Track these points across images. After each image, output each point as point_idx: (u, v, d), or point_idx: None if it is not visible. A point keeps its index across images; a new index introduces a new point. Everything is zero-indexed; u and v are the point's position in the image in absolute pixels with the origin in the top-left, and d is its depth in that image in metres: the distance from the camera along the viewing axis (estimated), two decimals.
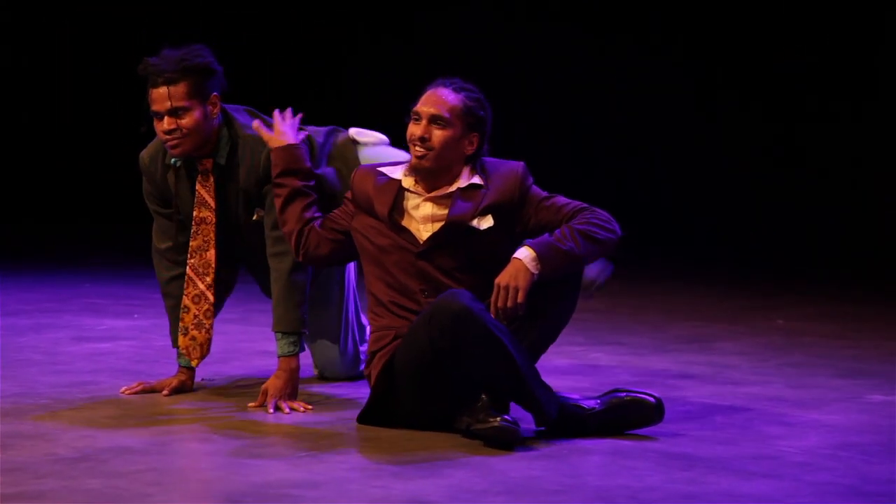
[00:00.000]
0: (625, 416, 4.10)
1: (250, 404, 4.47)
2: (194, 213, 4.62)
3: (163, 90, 4.47)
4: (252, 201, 4.59)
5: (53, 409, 4.39)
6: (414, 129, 4.23)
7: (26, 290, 7.38)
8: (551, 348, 5.59)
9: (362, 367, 4.85)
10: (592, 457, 3.87)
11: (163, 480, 3.56)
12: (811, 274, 8.53)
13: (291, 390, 4.49)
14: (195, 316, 4.65)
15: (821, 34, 10.09)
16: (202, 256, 4.63)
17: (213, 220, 4.61)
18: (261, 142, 4.55)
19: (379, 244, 4.27)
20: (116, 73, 11.23)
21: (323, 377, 4.97)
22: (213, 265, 4.62)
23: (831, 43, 10.04)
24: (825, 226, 9.83)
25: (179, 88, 4.47)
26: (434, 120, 4.20)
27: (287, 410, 4.40)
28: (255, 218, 4.59)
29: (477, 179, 4.25)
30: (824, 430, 4.22)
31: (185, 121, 4.49)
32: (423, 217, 4.24)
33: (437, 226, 4.22)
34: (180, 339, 4.65)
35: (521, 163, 4.31)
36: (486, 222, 4.23)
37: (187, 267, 4.64)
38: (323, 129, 4.81)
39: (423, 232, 4.23)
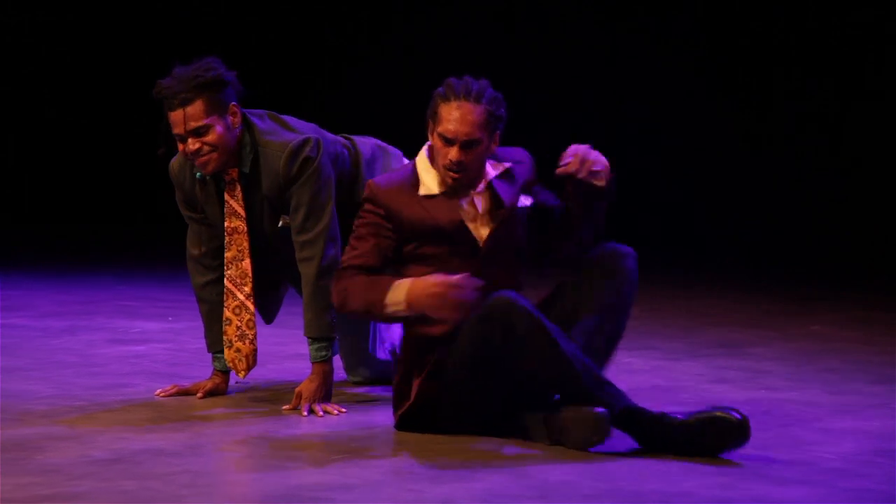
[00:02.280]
0: (708, 432, 3.89)
1: (284, 407, 4.48)
2: (226, 224, 4.61)
3: (180, 112, 4.44)
4: (276, 208, 4.57)
5: (88, 411, 4.40)
6: (448, 153, 4.15)
7: (61, 292, 7.42)
8: None
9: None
10: (626, 461, 3.85)
11: (197, 483, 3.56)
12: (846, 279, 8.49)
13: (325, 393, 4.50)
14: (238, 327, 4.63)
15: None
16: (238, 266, 4.62)
17: (245, 229, 4.59)
18: (280, 147, 4.52)
19: (433, 254, 4.19)
20: (144, 73, 11.32)
21: (354, 381, 4.97)
22: (250, 274, 4.61)
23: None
24: (860, 230, 9.78)
25: (196, 107, 4.44)
26: (468, 145, 4.16)
27: (321, 413, 4.41)
28: (280, 225, 4.57)
29: (501, 166, 4.26)
30: (860, 436, 4.20)
31: (209, 138, 4.46)
32: (472, 216, 4.22)
33: (486, 219, 4.21)
34: (226, 352, 4.64)
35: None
36: (527, 200, 4.26)
37: (225, 279, 4.63)
38: (371, 142, 4.80)
39: (481, 229, 4.22)
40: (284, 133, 4.56)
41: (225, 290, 4.64)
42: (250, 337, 4.63)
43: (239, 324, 4.63)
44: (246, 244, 4.61)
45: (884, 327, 6.48)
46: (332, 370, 4.53)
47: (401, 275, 4.18)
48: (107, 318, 6.48)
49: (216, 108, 4.47)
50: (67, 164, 11.68)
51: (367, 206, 4.22)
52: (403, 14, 11.47)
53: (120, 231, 10.82)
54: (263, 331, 4.92)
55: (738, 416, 3.85)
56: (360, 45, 11.63)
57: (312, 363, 4.52)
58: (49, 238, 10.36)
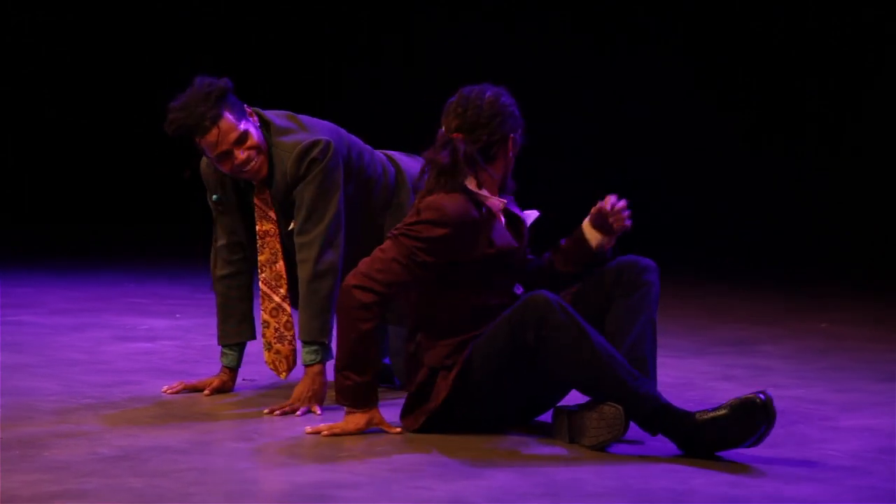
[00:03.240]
0: (740, 418, 3.83)
1: (276, 412, 4.38)
2: (257, 227, 4.60)
3: (214, 131, 4.41)
4: (285, 209, 4.56)
5: (96, 409, 4.41)
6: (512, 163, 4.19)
7: (70, 289, 7.43)
8: None
9: None
10: (634, 459, 3.85)
11: (204, 480, 3.57)
12: (853, 277, 8.48)
13: (313, 394, 4.44)
14: (276, 329, 4.61)
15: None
16: (272, 269, 4.61)
17: (277, 231, 4.58)
18: (291, 147, 4.49)
19: (476, 276, 4.13)
20: (144, 72, 11.33)
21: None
22: (285, 276, 4.59)
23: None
24: (868, 228, 9.77)
25: (227, 120, 4.42)
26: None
27: (298, 415, 4.36)
28: (290, 227, 4.56)
29: None
30: (868, 433, 4.19)
31: (250, 142, 4.46)
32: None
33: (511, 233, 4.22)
34: (265, 354, 4.63)
35: None
36: (534, 212, 4.34)
37: (260, 282, 4.61)
38: (410, 162, 4.78)
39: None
40: (298, 133, 4.54)
41: (261, 293, 4.63)
42: (289, 338, 4.61)
43: (277, 325, 4.62)
44: (278, 246, 4.59)
45: (892, 325, 6.48)
46: (322, 373, 4.48)
47: (427, 296, 4.14)
48: (115, 316, 6.49)
49: (241, 113, 4.47)
50: (74, 163, 11.69)
51: (432, 227, 4.05)
52: (403, 13, 11.47)
53: (130, 229, 10.82)
54: None
55: (762, 396, 3.82)
56: (360, 44, 11.63)
57: (304, 366, 4.51)
58: (58, 236, 10.37)
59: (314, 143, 4.50)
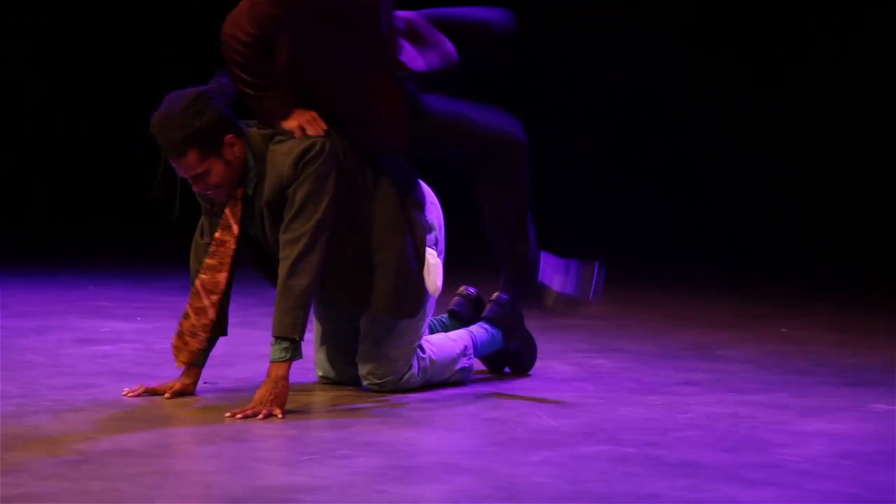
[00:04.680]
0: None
1: (238, 416, 4.36)
2: (216, 235, 4.62)
3: (178, 160, 4.47)
4: (276, 214, 4.56)
5: (55, 411, 4.39)
6: None
7: (30, 292, 7.39)
8: (556, 354, 5.62)
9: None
10: (594, 463, 3.86)
11: (164, 483, 3.55)
12: (816, 282, 8.52)
13: (274, 397, 4.42)
14: (193, 326, 4.65)
15: None
16: (213, 276, 4.63)
17: (233, 246, 4.61)
18: (288, 151, 4.52)
19: None
20: (143, 70, 11.28)
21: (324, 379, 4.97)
22: (223, 287, 4.62)
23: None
24: (831, 232, 9.81)
25: (191, 158, 4.46)
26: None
27: (260, 418, 4.33)
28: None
29: None
30: (827, 438, 4.21)
31: (211, 179, 4.51)
32: None
33: None
34: (174, 339, 4.66)
35: None
36: None
37: (197, 280, 4.64)
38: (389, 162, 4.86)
39: None
40: (296, 137, 4.56)
41: (193, 290, 4.63)
42: (202, 337, 4.64)
43: (195, 323, 4.64)
44: (229, 259, 4.61)
45: (855, 330, 6.51)
46: (286, 375, 4.46)
47: None
48: (78, 318, 6.46)
49: (211, 150, 4.48)
50: (35, 161, 11.61)
51: None
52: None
53: (97, 231, 10.77)
54: (235, 331, 4.92)
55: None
56: None
57: (270, 364, 4.49)
58: (18, 236, 10.30)
59: (310, 145, 4.53)
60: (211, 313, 4.63)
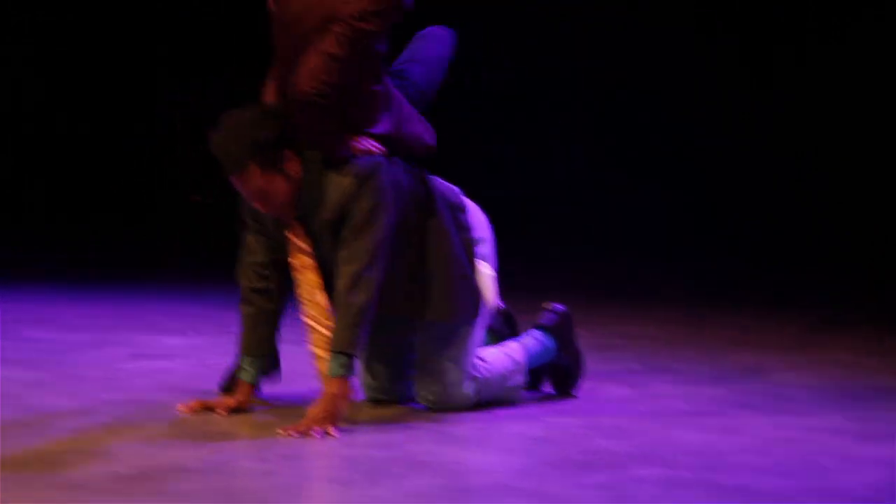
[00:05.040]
0: None
1: (291, 433, 4.37)
2: (291, 260, 4.61)
3: (238, 175, 4.48)
4: (336, 232, 4.55)
5: (112, 427, 4.40)
6: None
7: (84, 306, 7.44)
8: (609, 375, 5.59)
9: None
10: (648, 486, 3.84)
11: (219, 500, 3.56)
12: (873, 303, 8.45)
13: (330, 415, 4.43)
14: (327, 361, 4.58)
15: None
16: (314, 301, 4.58)
17: (314, 263, 4.59)
18: (347, 171, 4.51)
19: None
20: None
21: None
22: (328, 306, 4.57)
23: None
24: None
25: (251, 172, 4.47)
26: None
27: (315, 436, 4.34)
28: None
29: None
30: (884, 464, 4.17)
31: (272, 195, 4.51)
32: None
33: None
34: (318, 363, 4.61)
35: None
36: None
37: (304, 317, 4.60)
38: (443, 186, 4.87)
39: None
40: (353, 159, 4.55)
41: (307, 328, 4.61)
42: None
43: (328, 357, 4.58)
44: (317, 278, 4.59)
45: None
46: (344, 391, 4.46)
47: None
48: (131, 333, 6.49)
49: (271, 164, 4.49)
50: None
51: None
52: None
53: (147, 245, 10.84)
54: (292, 347, 4.93)
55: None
56: None
57: (329, 377, 4.48)
58: (74, 251, 10.38)
59: (371, 164, 4.54)
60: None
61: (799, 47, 10.29)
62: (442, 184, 4.87)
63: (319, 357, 4.57)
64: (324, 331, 4.57)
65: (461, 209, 4.86)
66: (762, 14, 10.36)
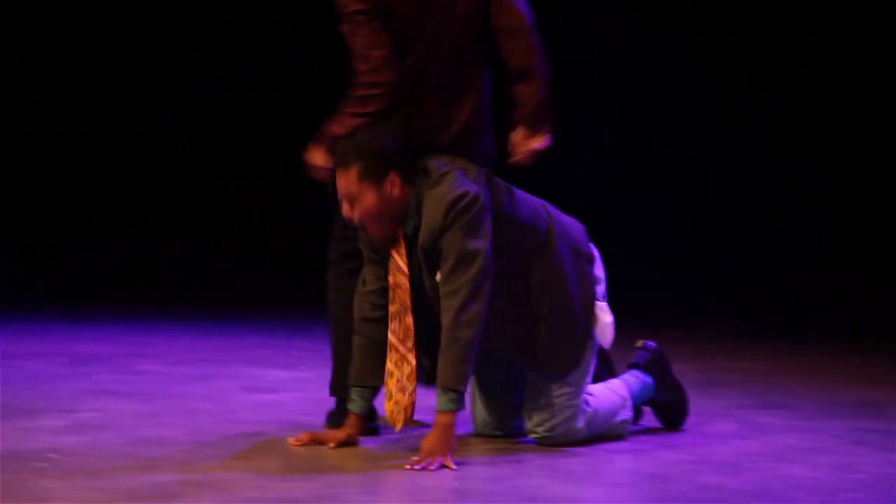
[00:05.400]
0: None
1: (415, 466, 4.38)
2: (389, 278, 4.66)
3: (339, 175, 4.56)
4: (432, 259, 4.57)
5: (222, 459, 4.44)
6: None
7: (194, 340, 7.52)
8: (718, 410, 5.54)
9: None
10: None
11: None
12: None
13: (440, 447, 4.43)
14: (398, 380, 4.63)
15: None
16: (402, 321, 4.64)
17: (407, 285, 4.62)
18: (441, 197, 4.53)
19: None
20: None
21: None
22: (412, 329, 4.62)
23: None
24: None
25: (351, 173, 4.54)
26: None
27: (433, 469, 4.34)
28: (438, 278, 4.58)
29: None
30: None
31: (359, 205, 4.55)
32: None
33: None
34: (386, 404, 4.65)
35: None
36: None
37: (389, 333, 4.66)
38: (568, 220, 4.89)
39: None
40: (450, 182, 4.56)
41: (388, 343, 4.66)
42: (409, 390, 4.63)
43: (400, 377, 4.63)
44: (408, 300, 4.63)
45: None
46: (454, 425, 4.47)
47: None
48: (240, 366, 6.54)
49: (371, 175, 4.53)
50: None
51: None
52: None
53: (252, 280, 10.93)
54: None
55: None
56: None
57: (437, 412, 4.50)
58: (177, 286, 10.50)
59: (462, 195, 4.53)
60: (412, 359, 4.64)
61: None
62: (566, 222, 4.85)
63: (392, 375, 4.62)
64: (403, 350, 4.62)
65: (589, 259, 4.84)
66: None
